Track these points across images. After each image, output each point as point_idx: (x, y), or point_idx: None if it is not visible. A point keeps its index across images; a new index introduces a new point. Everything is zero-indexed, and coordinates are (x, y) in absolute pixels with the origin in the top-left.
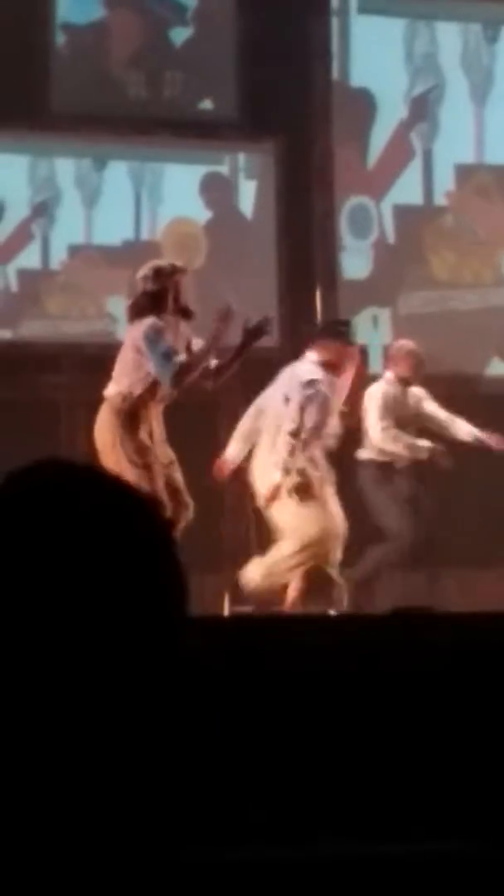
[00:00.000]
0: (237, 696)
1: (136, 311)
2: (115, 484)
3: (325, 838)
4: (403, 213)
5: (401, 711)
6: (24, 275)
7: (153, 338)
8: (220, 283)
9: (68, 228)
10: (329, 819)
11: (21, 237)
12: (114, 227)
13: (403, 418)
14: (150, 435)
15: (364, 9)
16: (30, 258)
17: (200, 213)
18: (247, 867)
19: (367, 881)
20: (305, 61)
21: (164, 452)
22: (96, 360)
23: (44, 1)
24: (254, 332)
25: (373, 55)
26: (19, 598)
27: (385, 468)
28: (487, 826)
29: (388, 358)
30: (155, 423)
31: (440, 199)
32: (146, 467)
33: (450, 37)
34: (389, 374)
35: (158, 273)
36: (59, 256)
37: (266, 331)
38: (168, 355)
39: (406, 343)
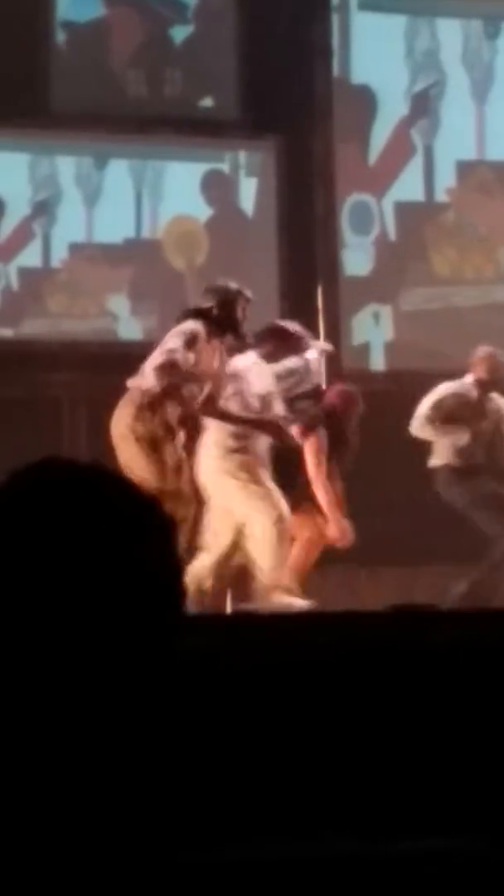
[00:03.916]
0: (237, 693)
1: (185, 316)
2: (117, 483)
3: (327, 836)
4: (404, 210)
5: (402, 709)
6: (25, 273)
7: (178, 337)
8: (221, 280)
9: (69, 227)
10: (330, 817)
11: (22, 236)
12: (115, 226)
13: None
14: (169, 432)
15: (364, 5)
16: (31, 257)
17: (201, 211)
18: (248, 866)
19: (367, 879)
20: (306, 58)
21: (175, 453)
22: (98, 358)
23: None
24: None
25: (373, 52)
26: (20, 594)
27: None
28: (490, 823)
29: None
30: (173, 424)
31: (441, 196)
32: (159, 463)
33: (450, 33)
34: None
35: (217, 291)
36: (60, 255)
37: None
38: (173, 355)
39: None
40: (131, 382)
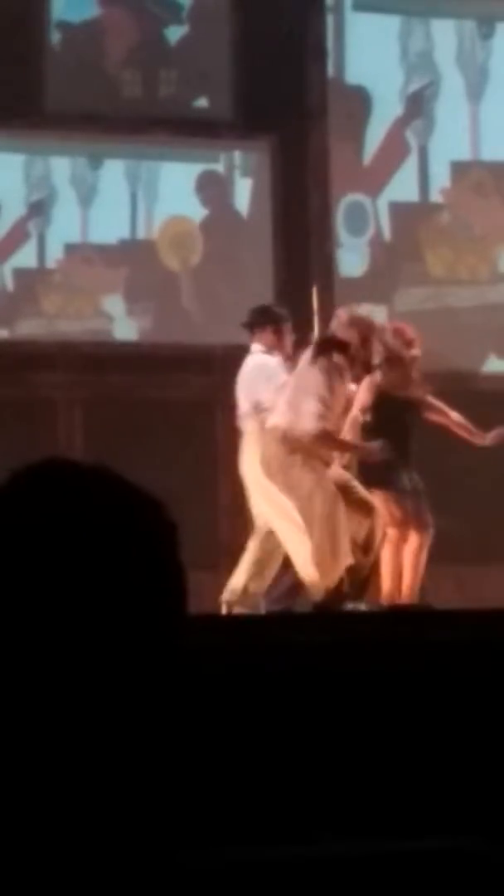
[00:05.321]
0: (235, 693)
1: (326, 347)
2: (120, 483)
3: (326, 836)
4: (399, 210)
5: (399, 708)
6: (20, 274)
7: (328, 378)
8: (216, 281)
9: (64, 227)
10: (327, 816)
11: (17, 236)
12: (110, 226)
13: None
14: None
15: (359, 6)
16: (26, 257)
17: (196, 212)
18: (247, 866)
19: (364, 879)
20: (301, 59)
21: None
22: (93, 358)
23: None
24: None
25: (368, 52)
26: (20, 595)
27: None
28: (486, 821)
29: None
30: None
31: (436, 196)
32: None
33: (445, 33)
34: None
35: (360, 325)
36: (55, 255)
37: None
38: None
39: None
40: (274, 422)
